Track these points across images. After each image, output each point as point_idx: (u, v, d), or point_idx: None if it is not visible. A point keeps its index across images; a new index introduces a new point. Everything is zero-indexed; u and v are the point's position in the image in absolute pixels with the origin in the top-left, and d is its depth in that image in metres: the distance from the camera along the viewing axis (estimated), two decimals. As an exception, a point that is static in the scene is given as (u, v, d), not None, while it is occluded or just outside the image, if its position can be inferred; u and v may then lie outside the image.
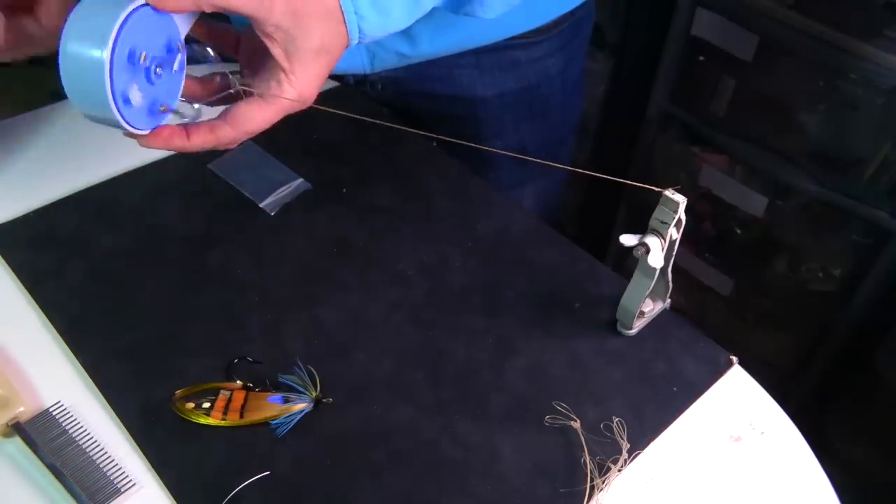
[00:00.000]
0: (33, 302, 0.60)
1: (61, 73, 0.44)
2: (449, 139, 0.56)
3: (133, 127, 0.48)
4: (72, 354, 0.57)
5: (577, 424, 0.53)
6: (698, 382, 0.56)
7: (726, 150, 1.23)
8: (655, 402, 0.55)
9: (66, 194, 0.69)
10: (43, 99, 0.78)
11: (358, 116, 0.56)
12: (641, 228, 0.53)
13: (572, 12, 0.80)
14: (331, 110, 0.53)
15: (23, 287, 0.61)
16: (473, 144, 0.56)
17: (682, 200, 0.50)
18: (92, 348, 0.57)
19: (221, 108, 0.52)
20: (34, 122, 0.77)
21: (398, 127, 0.58)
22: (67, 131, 0.76)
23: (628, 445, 0.52)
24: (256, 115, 0.50)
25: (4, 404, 0.52)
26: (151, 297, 0.61)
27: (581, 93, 0.93)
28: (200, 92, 0.54)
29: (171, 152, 0.73)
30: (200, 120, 0.52)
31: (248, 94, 0.51)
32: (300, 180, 0.72)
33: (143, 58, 0.46)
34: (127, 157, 0.73)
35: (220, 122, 0.51)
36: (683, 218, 0.52)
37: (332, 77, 0.82)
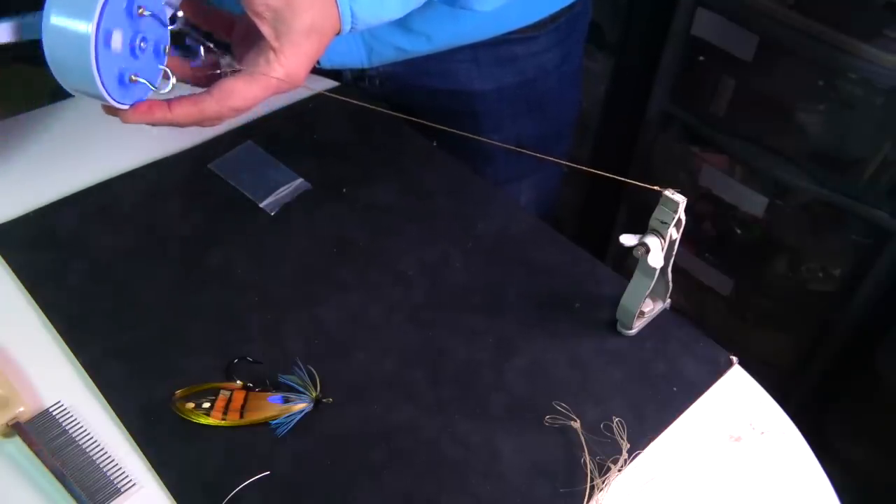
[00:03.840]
0: (33, 302, 0.60)
1: (44, 45, 0.44)
2: (444, 128, 0.56)
3: (116, 101, 0.48)
4: (72, 354, 0.57)
5: (577, 424, 0.53)
6: (698, 382, 0.56)
7: (726, 150, 1.23)
8: (655, 402, 0.55)
9: (66, 194, 0.69)
10: (43, 99, 0.78)
11: (360, 103, 0.56)
12: (641, 228, 0.53)
13: (570, 7, 0.81)
14: (333, 95, 0.53)
15: (23, 287, 0.61)
16: (471, 135, 0.56)
17: (682, 200, 0.50)
18: (92, 348, 0.57)
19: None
20: (34, 122, 0.77)
21: (397, 115, 0.58)
22: (67, 131, 0.76)
23: (628, 445, 0.52)
24: (243, 91, 0.50)
25: (4, 404, 0.52)
26: (151, 296, 0.61)
27: (578, 88, 0.94)
28: (189, 72, 0.54)
29: (170, 152, 0.73)
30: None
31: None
32: (300, 180, 0.72)
33: (140, 11, 0.46)
34: (127, 157, 0.73)
35: (204, 95, 0.50)
36: (683, 218, 0.52)
37: (330, 73, 0.82)
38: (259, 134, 0.76)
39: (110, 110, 0.50)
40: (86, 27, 0.43)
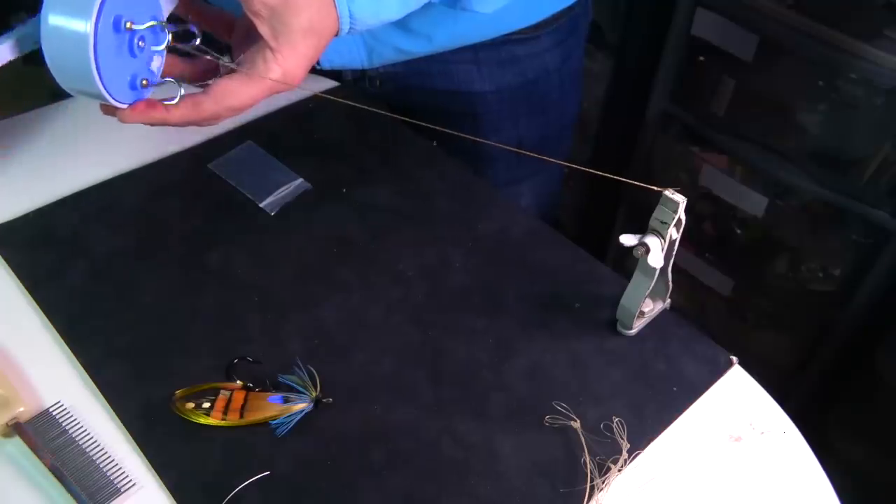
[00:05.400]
0: (33, 302, 0.60)
1: (42, 45, 0.44)
2: (444, 130, 0.56)
3: (115, 100, 0.48)
4: (72, 354, 0.57)
5: (577, 424, 0.53)
6: (698, 382, 0.56)
7: (726, 150, 1.23)
8: (655, 402, 0.55)
9: (66, 194, 0.69)
10: (43, 99, 0.78)
11: (360, 105, 0.56)
12: (641, 228, 0.53)
13: (570, 8, 0.81)
14: (333, 98, 0.53)
15: (23, 287, 0.61)
16: (472, 138, 0.56)
17: (681, 200, 0.50)
18: (92, 348, 0.57)
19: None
20: (34, 122, 0.77)
21: (397, 117, 0.58)
22: (67, 131, 0.76)
23: (628, 445, 0.52)
24: (240, 91, 0.50)
25: (4, 404, 0.52)
26: (151, 297, 0.61)
27: (579, 89, 0.94)
28: (187, 72, 0.54)
29: (170, 152, 0.73)
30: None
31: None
32: (300, 180, 0.72)
33: (128, 25, 0.46)
34: (127, 157, 0.73)
35: (201, 95, 0.50)
36: (683, 218, 0.52)
37: (330, 73, 0.82)
38: (259, 134, 0.76)
39: (108, 110, 0.50)
40: (84, 26, 0.43)
